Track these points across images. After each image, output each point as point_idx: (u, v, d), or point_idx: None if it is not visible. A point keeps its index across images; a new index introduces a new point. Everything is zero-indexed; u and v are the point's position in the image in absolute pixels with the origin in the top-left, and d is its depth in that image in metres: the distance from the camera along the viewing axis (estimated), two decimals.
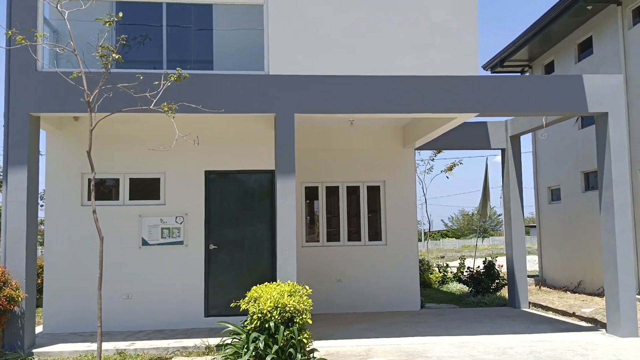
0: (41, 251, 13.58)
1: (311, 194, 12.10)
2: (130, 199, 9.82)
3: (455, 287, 15.06)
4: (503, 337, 8.66)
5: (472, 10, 8.88)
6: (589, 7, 13.27)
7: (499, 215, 64.48)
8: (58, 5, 6.72)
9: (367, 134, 11.95)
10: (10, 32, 7.06)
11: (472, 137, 12.15)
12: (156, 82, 7.50)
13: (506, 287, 13.07)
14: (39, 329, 9.44)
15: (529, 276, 15.79)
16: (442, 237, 61.65)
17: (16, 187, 7.96)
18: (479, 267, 13.88)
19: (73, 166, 9.62)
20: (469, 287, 13.57)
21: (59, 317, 9.32)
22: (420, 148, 12.24)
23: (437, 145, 12.32)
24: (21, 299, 7.60)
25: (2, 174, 9.30)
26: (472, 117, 9.13)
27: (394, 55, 8.83)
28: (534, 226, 19.49)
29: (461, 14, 8.87)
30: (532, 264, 19.54)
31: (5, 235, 7.91)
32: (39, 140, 8.42)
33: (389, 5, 8.81)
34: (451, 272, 16.60)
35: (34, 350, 7.80)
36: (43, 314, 9.39)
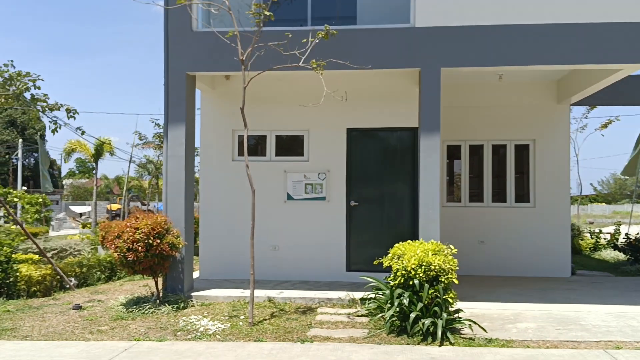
0: (196, 203, 14.65)
1: (451, 153, 11.72)
2: (276, 155, 10.17)
3: (609, 254, 13.97)
4: None
5: None
6: None
7: None
8: None
9: (516, 88, 11.23)
10: None
11: (637, 91, 10.97)
12: (304, 40, 7.56)
13: None
14: (195, 274, 10.23)
15: None
16: (591, 201, 57.48)
17: (176, 143, 8.52)
18: (637, 233, 12.73)
19: (225, 123, 10.13)
20: (627, 255, 12.52)
21: (213, 264, 10.02)
22: (577, 104, 11.29)
23: (596, 100, 11.29)
24: (181, 245, 8.20)
25: (163, 130, 10.00)
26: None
27: (551, 1, 8.06)
28: None
29: None
30: None
31: (166, 187, 8.54)
32: (194, 98, 8.91)
33: None
34: (604, 239, 15.42)
35: (192, 294, 8.44)
36: (199, 261, 10.16)
